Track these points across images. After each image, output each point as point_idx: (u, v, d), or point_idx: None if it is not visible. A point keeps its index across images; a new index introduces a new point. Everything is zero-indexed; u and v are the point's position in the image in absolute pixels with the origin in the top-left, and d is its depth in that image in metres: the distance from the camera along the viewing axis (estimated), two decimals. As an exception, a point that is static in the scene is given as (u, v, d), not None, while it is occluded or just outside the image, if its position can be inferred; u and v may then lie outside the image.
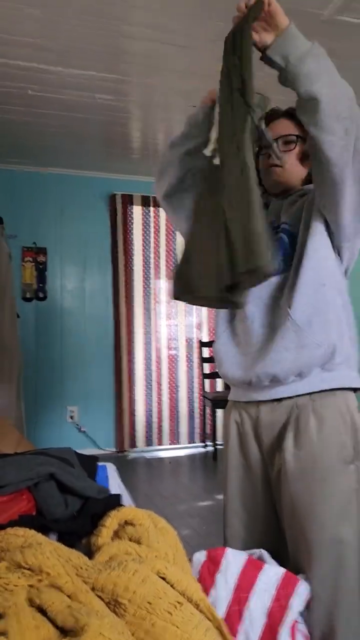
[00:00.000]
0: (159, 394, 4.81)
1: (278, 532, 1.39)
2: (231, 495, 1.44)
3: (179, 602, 0.89)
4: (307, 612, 1.26)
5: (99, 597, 0.89)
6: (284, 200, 1.42)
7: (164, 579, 0.95)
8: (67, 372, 4.56)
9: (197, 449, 4.82)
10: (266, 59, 1.16)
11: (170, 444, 4.82)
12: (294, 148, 1.39)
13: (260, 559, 1.29)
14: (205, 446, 4.81)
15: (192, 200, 1.33)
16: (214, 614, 0.94)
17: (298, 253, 1.30)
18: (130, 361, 4.70)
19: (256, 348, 1.32)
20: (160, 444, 4.79)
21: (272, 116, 1.42)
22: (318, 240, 1.28)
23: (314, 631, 1.27)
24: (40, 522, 1.08)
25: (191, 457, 4.59)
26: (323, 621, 1.26)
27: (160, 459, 4.53)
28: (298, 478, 1.27)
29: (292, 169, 1.40)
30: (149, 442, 4.76)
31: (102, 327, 4.68)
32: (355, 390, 1.35)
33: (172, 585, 0.94)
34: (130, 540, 1.07)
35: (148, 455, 4.65)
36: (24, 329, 4.40)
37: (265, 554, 1.30)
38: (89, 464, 1.39)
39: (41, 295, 4.51)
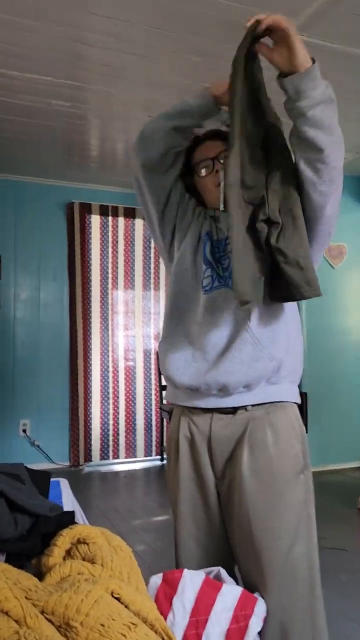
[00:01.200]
0: (116, 407, 4.73)
1: (225, 547, 1.37)
2: (183, 514, 1.40)
3: (133, 623, 0.85)
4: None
5: (50, 620, 0.84)
6: None
7: (118, 599, 0.91)
8: (20, 384, 4.43)
9: (153, 462, 4.76)
10: (279, 82, 1.14)
11: (126, 457, 4.74)
12: None
13: (218, 578, 1.26)
14: (162, 459, 4.75)
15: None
16: (169, 634, 0.91)
17: None
18: (86, 373, 4.61)
19: (210, 356, 1.30)
20: (116, 457, 4.71)
21: (196, 142, 1.41)
22: None
23: None
24: (-14, 542, 1.01)
25: (147, 471, 4.53)
26: (277, 636, 1.24)
27: (116, 473, 4.45)
28: (255, 491, 1.25)
29: None
30: (104, 455, 4.67)
31: (58, 338, 4.58)
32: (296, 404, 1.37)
33: (126, 606, 0.90)
34: (83, 559, 1.02)
35: (103, 469, 4.55)
36: (-25, 338, 4.26)
37: (222, 572, 1.27)
38: (42, 479, 1.33)
39: (-6, 305, 4.38)
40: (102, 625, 0.83)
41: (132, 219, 4.81)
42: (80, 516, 1.32)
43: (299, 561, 1.26)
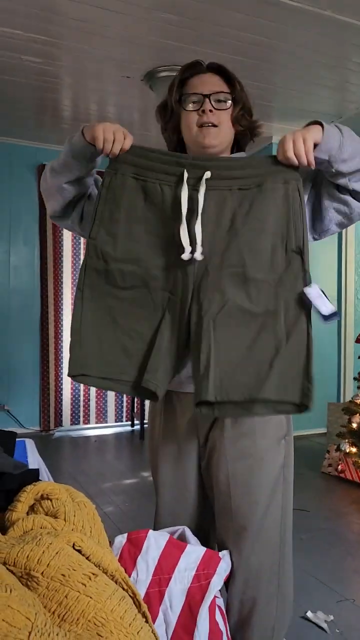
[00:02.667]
0: (87, 372, 4.73)
1: (204, 510, 1.40)
2: (162, 478, 1.41)
3: (93, 574, 0.88)
4: (225, 584, 1.30)
5: (11, 572, 0.86)
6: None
7: (79, 551, 0.93)
8: (-10, 348, 4.39)
9: (124, 427, 4.82)
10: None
11: (97, 423, 4.78)
12: (229, 107, 1.29)
13: (182, 537, 1.30)
14: (133, 425, 4.81)
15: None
16: (129, 585, 0.94)
17: None
18: (58, 338, 4.59)
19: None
20: (86, 422, 4.74)
21: (196, 69, 1.31)
22: None
23: (233, 601, 1.30)
24: None
25: (118, 436, 4.58)
26: (245, 592, 1.29)
27: (87, 438, 4.49)
28: (237, 458, 1.28)
29: (227, 131, 1.30)
30: (75, 420, 4.70)
31: (28, 303, 4.53)
32: None
33: (87, 558, 0.93)
34: (46, 514, 1.04)
35: (74, 434, 4.59)
36: None
37: (187, 531, 1.31)
38: (7, 439, 1.34)
39: None
40: (62, 575, 0.85)
41: (105, 184, 4.73)
42: (45, 475, 1.34)
43: (273, 524, 1.30)
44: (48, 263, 4.53)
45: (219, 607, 1.25)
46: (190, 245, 1.14)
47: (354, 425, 3.30)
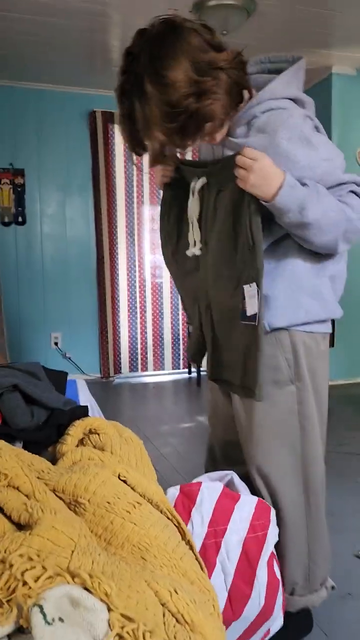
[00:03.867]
0: (143, 321, 4.81)
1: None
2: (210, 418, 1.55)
3: (137, 502, 0.91)
4: None
5: (60, 498, 0.90)
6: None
7: (124, 482, 0.97)
8: (50, 298, 4.53)
9: (181, 374, 4.89)
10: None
11: (154, 370, 4.88)
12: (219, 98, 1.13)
13: (231, 484, 1.31)
14: (190, 372, 4.88)
15: None
16: (174, 514, 0.96)
17: None
18: (114, 287, 4.66)
19: None
20: (144, 369, 4.85)
21: None
22: None
23: None
24: (4, 430, 1.08)
25: (175, 383, 4.67)
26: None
27: (145, 385, 4.61)
28: (239, 403, 1.33)
29: (215, 125, 1.17)
30: (133, 368, 4.82)
31: (85, 253, 4.60)
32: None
33: (132, 488, 0.96)
34: (94, 447, 1.08)
35: (133, 380, 4.71)
36: (4, 254, 4.32)
37: (235, 477, 1.32)
38: (58, 378, 1.39)
39: (20, 219, 4.38)
40: (108, 502, 0.88)
41: (157, 129, 4.63)
42: (96, 412, 1.38)
43: (288, 471, 1.31)
44: (102, 215, 4.55)
45: (275, 557, 1.27)
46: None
47: None
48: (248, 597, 1.21)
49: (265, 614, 1.21)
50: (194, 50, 1.06)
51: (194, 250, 1.33)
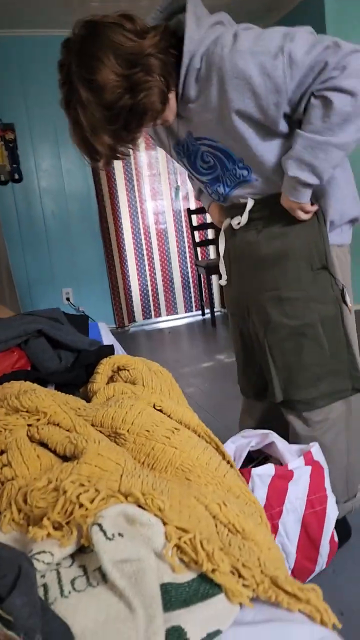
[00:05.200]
0: (152, 268, 4.78)
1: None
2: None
3: (176, 429, 0.92)
4: None
5: (100, 431, 0.92)
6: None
7: (160, 411, 0.98)
8: (56, 254, 4.49)
9: (195, 317, 4.91)
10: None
11: (167, 315, 4.89)
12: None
13: (269, 444, 1.31)
14: (203, 314, 4.88)
15: None
16: (212, 437, 0.98)
17: None
18: (119, 237, 4.61)
19: None
20: (158, 315, 4.87)
21: None
22: None
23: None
24: (35, 375, 1.09)
25: (190, 326, 4.69)
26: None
27: (160, 330, 4.63)
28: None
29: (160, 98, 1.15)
30: (146, 315, 4.83)
31: (85, 206, 4.52)
32: None
33: (169, 416, 0.97)
34: (125, 382, 1.09)
35: (148, 327, 4.74)
36: (4, 214, 4.25)
37: (274, 436, 1.31)
38: (80, 321, 1.39)
39: (17, 176, 4.29)
40: (147, 431, 0.90)
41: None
42: (121, 352, 1.39)
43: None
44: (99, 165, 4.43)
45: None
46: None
47: None
48: (312, 571, 1.21)
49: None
50: (115, 46, 1.05)
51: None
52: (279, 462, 1.29)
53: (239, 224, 1.33)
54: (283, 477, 1.20)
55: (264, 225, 1.31)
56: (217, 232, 1.57)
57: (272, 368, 1.37)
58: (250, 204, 1.29)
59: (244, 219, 1.31)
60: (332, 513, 1.23)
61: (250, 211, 1.30)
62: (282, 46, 1.06)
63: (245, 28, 1.13)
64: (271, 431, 1.33)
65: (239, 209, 1.33)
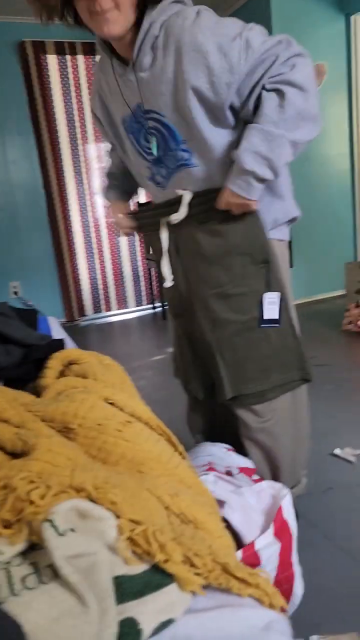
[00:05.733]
0: (102, 261, 4.73)
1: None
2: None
3: (127, 421, 0.92)
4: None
5: (50, 427, 0.91)
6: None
7: (112, 404, 0.97)
8: (2, 247, 4.37)
9: (145, 311, 4.90)
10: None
11: (118, 309, 4.86)
12: None
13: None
14: (154, 307, 4.88)
15: None
16: (163, 429, 0.98)
17: None
18: (68, 230, 4.53)
19: None
20: (108, 309, 4.83)
21: None
22: None
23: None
24: (-19, 371, 1.06)
25: (141, 319, 4.68)
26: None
27: (111, 324, 4.60)
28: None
29: (128, 12, 1.12)
30: (97, 309, 4.79)
31: (32, 198, 4.41)
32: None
33: (121, 409, 0.97)
34: (76, 376, 1.08)
35: (98, 322, 4.69)
36: None
37: (231, 504, 1.08)
38: (28, 316, 1.36)
39: None
40: (98, 424, 0.89)
41: (92, 57, 4.36)
42: (71, 345, 1.37)
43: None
44: (46, 153, 4.34)
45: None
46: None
47: (374, 280, 3.28)
48: (291, 590, 1.12)
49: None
50: None
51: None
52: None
53: (176, 219, 1.32)
54: (248, 564, 1.01)
55: (202, 221, 1.30)
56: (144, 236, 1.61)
57: (220, 366, 1.38)
58: (187, 196, 1.28)
59: (182, 212, 1.29)
60: (299, 590, 1.13)
61: (188, 205, 1.29)
62: (240, 32, 1.10)
63: (206, 9, 1.15)
64: (227, 501, 1.07)
65: (173, 205, 1.31)
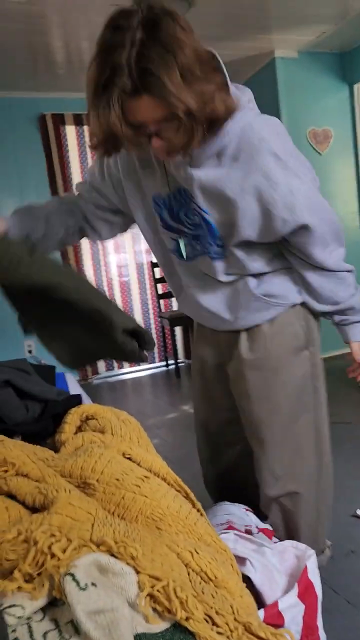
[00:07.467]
0: (115, 320, 4.80)
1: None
2: (195, 402, 1.58)
3: (145, 477, 0.92)
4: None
5: (69, 482, 0.91)
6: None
7: (129, 459, 0.98)
8: (19, 306, 4.45)
9: (158, 368, 4.91)
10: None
11: (131, 366, 4.88)
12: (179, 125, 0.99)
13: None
14: (167, 365, 4.89)
15: None
16: (181, 485, 0.98)
17: None
18: (82, 289, 4.62)
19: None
20: (121, 367, 4.84)
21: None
22: None
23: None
24: (1, 427, 1.07)
25: (153, 376, 4.68)
26: (285, 500, 1.36)
27: (123, 382, 4.60)
28: (253, 370, 1.33)
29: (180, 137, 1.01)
30: (110, 366, 4.80)
31: (49, 258, 4.54)
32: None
33: (138, 464, 0.97)
34: (94, 431, 1.09)
35: (111, 379, 4.70)
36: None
37: (252, 566, 1.08)
38: (46, 372, 1.39)
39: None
40: (117, 479, 0.89)
41: (108, 126, 4.60)
42: (88, 401, 1.39)
43: (304, 431, 1.35)
44: (62, 215, 4.50)
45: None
46: None
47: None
48: None
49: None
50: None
51: None
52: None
53: None
54: (271, 624, 0.95)
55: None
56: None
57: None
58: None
59: None
60: (320, 599, 1.10)
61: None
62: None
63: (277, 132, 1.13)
64: (248, 559, 1.06)
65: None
